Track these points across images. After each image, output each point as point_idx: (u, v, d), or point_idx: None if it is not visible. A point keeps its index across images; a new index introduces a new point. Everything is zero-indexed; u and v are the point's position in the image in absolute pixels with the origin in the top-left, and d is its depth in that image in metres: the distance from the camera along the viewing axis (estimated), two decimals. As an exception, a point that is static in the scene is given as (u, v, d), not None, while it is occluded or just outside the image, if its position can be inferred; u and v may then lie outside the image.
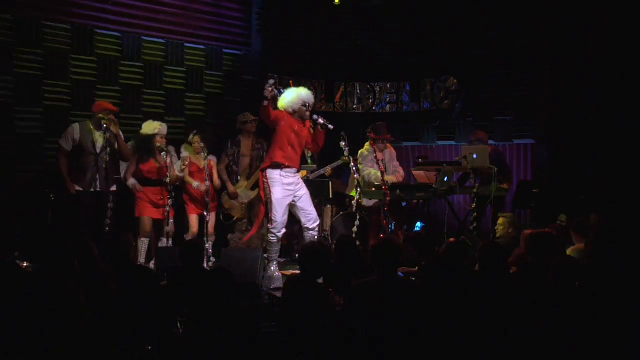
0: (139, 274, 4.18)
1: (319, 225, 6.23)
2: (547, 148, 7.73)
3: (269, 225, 5.91)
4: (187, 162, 6.53)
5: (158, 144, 6.38)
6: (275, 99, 5.83)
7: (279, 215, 5.84)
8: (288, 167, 5.90)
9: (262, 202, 6.06)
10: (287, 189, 5.89)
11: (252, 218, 7.31)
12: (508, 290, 3.63)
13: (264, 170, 5.96)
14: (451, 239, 3.94)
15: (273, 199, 5.84)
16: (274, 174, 5.87)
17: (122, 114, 7.18)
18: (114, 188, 6.27)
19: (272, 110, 5.88)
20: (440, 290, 3.69)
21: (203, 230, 6.60)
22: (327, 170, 7.91)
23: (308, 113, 5.99)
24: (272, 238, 5.91)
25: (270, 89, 5.57)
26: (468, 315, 3.48)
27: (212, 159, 6.80)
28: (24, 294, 3.31)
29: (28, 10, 6.61)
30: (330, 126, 5.96)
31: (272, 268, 5.95)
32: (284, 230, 5.97)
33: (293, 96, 6.03)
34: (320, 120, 5.96)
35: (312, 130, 6.05)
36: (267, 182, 5.89)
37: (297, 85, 8.95)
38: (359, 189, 6.42)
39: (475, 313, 3.48)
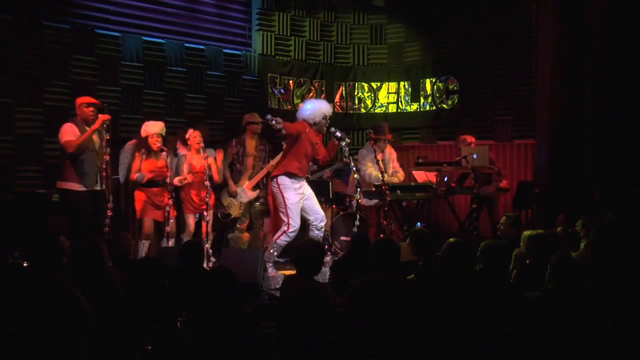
0: (141, 268, 4.14)
1: (325, 224, 6.29)
2: (547, 148, 7.73)
3: (285, 229, 5.92)
4: (187, 178, 6.41)
5: (157, 144, 6.29)
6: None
7: (297, 219, 5.93)
8: (300, 177, 5.99)
9: (267, 207, 6.17)
10: (298, 192, 5.99)
11: (252, 218, 7.32)
12: (509, 291, 3.63)
13: (274, 177, 6.00)
14: (451, 239, 3.93)
15: (288, 203, 5.90)
16: (285, 180, 5.94)
17: (122, 115, 7.21)
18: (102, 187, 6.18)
19: (293, 126, 5.94)
20: (440, 290, 3.68)
21: (198, 230, 6.59)
22: (327, 173, 7.92)
23: (326, 126, 6.04)
24: (285, 241, 5.95)
25: (274, 122, 5.67)
26: (468, 315, 3.48)
27: (210, 156, 6.65)
28: (26, 293, 3.31)
29: (28, 10, 6.61)
30: (348, 139, 6.05)
31: (270, 269, 5.97)
32: (295, 235, 6.01)
33: (315, 108, 6.07)
34: (338, 134, 6.04)
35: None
36: (279, 188, 5.95)
37: (297, 85, 9.06)
38: (358, 189, 6.43)
39: (476, 313, 3.47)
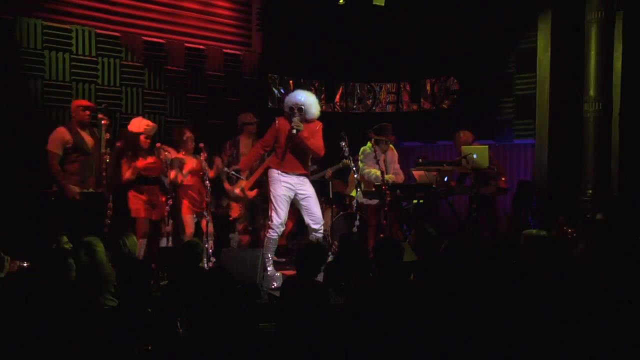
0: (139, 270, 4.16)
1: (322, 226, 6.27)
2: (547, 148, 7.73)
3: (269, 222, 6.00)
4: (183, 174, 6.42)
5: (146, 146, 6.24)
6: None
7: (279, 212, 5.97)
8: (284, 172, 6.00)
9: (266, 205, 6.28)
10: (285, 186, 6.01)
11: (252, 216, 7.31)
12: (507, 290, 3.63)
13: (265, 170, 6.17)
14: (450, 239, 3.93)
15: (272, 196, 6.03)
16: (273, 173, 6.08)
17: (122, 114, 7.22)
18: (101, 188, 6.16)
19: (267, 136, 6.12)
20: (439, 289, 3.68)
21: (199, 230, 6.58)
22: (328, 172, 7.91)
23: (295, 117, 5.93)
24: (272, 235, 6.00)
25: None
26: (468, 315, 3.48)
27: (204, 155, 6.61)
28: (30, 293, 3.32)
29: (29, 10, 6.62)
30: (294, 131, 5.86)
31: (269, 268, 5.98)
32: (283, 228, 6.06)
33: (287, 99, 6.18)
34: (294, 131, 5.86)
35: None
36: (269, 181, 6.13)
37: (297, 85, 9.05)
38: (359, 189, 6.43)
39: (475, 313, 3.47)
